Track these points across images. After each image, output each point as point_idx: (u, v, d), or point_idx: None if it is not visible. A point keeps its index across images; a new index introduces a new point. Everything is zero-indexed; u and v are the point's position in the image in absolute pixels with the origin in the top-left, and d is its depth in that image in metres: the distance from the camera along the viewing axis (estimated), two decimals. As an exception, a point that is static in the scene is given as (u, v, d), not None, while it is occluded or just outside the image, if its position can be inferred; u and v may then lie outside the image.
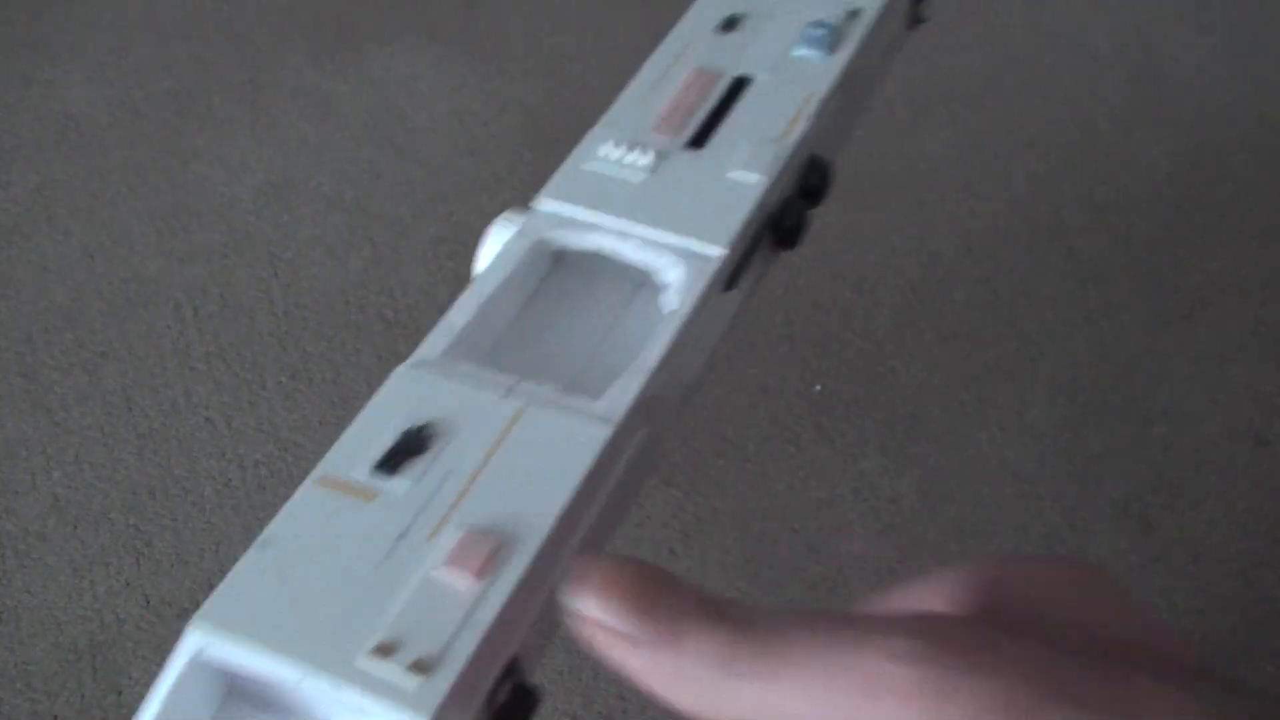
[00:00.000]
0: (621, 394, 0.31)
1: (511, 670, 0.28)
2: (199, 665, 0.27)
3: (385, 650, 0.26)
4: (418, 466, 0.29)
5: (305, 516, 0.30)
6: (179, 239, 0.96)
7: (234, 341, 0.88)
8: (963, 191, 0.99)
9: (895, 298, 0.91)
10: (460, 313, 0.33)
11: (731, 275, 0.34)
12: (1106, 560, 0.78)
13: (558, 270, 0.36)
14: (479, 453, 0.30)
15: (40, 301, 0.92)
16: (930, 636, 0.23)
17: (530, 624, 0.29)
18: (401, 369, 0.32)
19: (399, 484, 0.29)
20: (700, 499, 0.80)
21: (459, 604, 0.27)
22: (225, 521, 0.78)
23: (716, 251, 0.34)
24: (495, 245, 0.35)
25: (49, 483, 0.81)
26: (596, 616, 0.26)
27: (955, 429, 0.84)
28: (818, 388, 0.86)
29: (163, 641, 0.74)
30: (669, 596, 0.26)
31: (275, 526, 0.30)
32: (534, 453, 0.30)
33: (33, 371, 0.87)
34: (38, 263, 0.94)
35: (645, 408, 0.31)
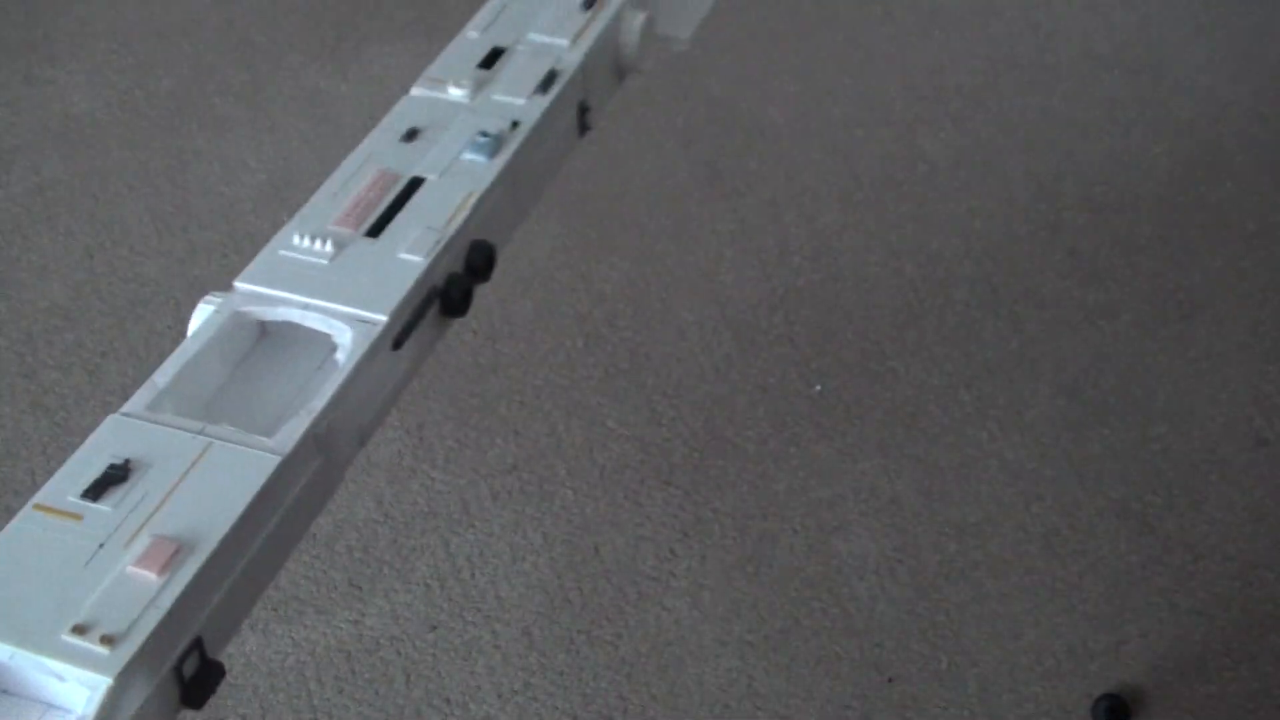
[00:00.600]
0: (291, 432, 0.37)
1: (197, 647, 0.35)
2: None
3: (81, 630, 0.32)
4: (118, 494, 0.36)
5: (24, 534, 0.36)
6: (179, 239, 0.96)
7: (234, 341, 0.88)
8: (963, 191, 0.99)
9: (895, 298, 0.91)
10: (163, 374, 0.41)
11: (397, 338, 0.41)
12: (1107, 560, 0.78)
13: (265, 338, 0.43)
14: (170, 480, 0.36)
15: (40, 301, 0.92)
16: None
17: (209, 612, 0.35)
18: (111, 417, 0.39)
19: (102, 508, 0.36)
20: (700, 499, 0.80)
21: (144, 593, 0.33)
22: (225, 521, 0.78)
23: (380, 317, 0.40)
24: (199, 319, 0.42)
25: (49, 483, 0.81)
26: None
27: (955, 429, 0.84)
28: (818, 388, 0.86)
29: (163, 641, 0.74)
30: None
31: (1, 538, 0.35)
32: (215, 478, 0.36)
33: (33, 371, 0.87)
34: (38, 263, 0.94)
35: (316, 442, 0.38)
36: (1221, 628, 0.75)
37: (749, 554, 0.78)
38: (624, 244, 0.95)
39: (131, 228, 0.97)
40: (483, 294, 1.03)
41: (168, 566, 0.34)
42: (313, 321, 0.41)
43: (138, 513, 0.35)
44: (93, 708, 0.32)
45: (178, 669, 0.34)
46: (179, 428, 0.38)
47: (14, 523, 0.35)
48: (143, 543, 0.34)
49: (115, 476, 0.37)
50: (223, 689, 0.73)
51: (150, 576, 0.34)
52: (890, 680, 0.73)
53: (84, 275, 0.94)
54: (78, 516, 0.35)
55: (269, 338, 0.43)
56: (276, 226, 1.09)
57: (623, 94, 1.11)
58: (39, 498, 0.36)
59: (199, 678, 0.35)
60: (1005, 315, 0.91)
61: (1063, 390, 0.86)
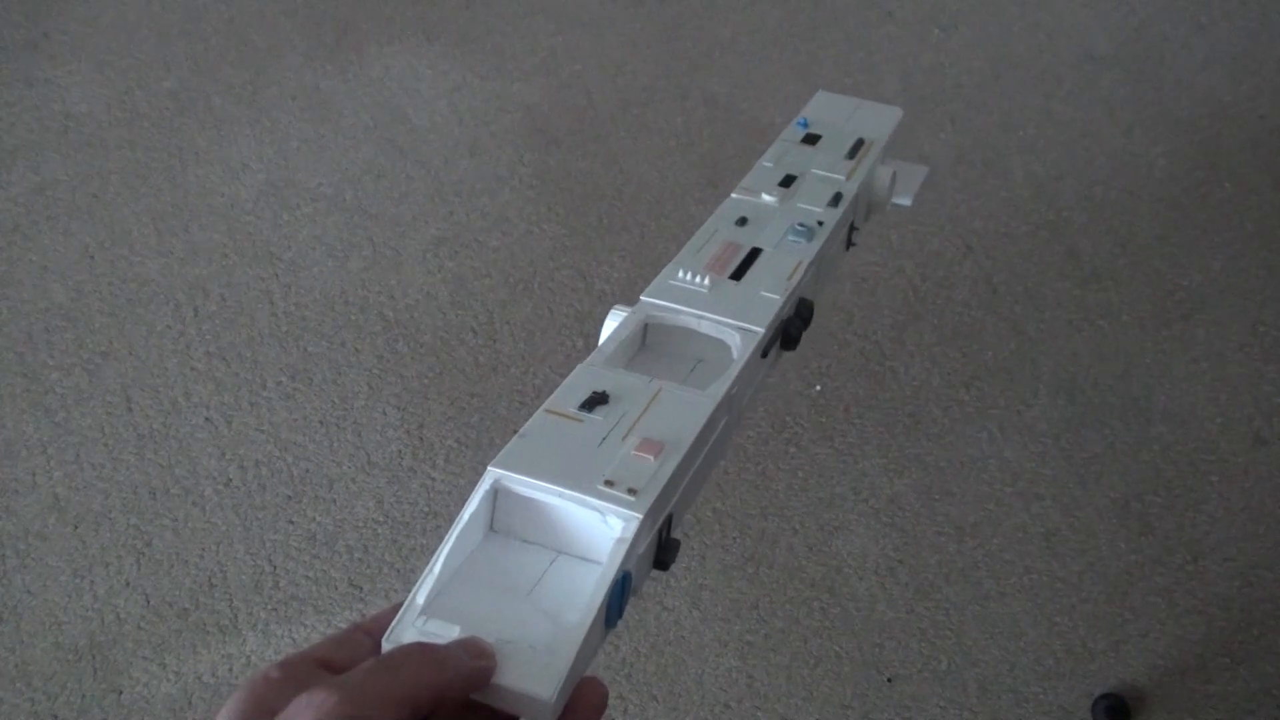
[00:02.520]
0: (716, 389, 0.49)
1: (669, 521, 0.45)
2: (493, 491, 0.44)
3: (611, 483, 0.43)
4: (604, 410, 0.47)
5: (544, 427, 0.46)
6: (179, 239, 0.96)
7: (234, 341, 0.88)
8: (963, 191, 0.99)
9: (895, 298, 0.91)
10: (609, 344, 0.53)
11: (765, 348, 0.54)
12: (1106, 560, 0.78)
13: (644, 347, 0.56)
14: (639, 406, 0.48)
15: (40, 301, 0.92)
16: None
17: (676, 496, 0.45)
18: (580, 366, 0.50)
19: (595, 417, 0.47)
20: (700, 499, 0.80)
21: (647, 468, 0.44)
22: (225, 521, 0.78)
23: (759, 329, 0.54)
24: (613, 323, 0.55)
25: (49, 483, 0.81)
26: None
27: (955, 429, 0.84)
28: (817, 388, 0.86)
29: (163, 641, 0.74)
30: None
31: (526, 428, 0.46)
32: (672, 408, 0.48)
33: (33, 371, 0.87)
34: (38, 263, 0.94)
35: (729, 400, 0.50)
36: (1221, 628, 0.75)
37: (749, 554, 0.78)
38: (624, 244, 0.95)
39: (131, 228, 0.97)
40: (484, 293, 1.03)
41: (659, 455, 0.45)
42: (707, 328, 0.55)
43: (624, 421, 0.47)
44: (630, 532, 0.42)
45: (660, 532, 0.44)
46: (634, 376, 0.50)
47: (534, 419, 0.46)
48: (635, 439, 0.45)
49: (599, 399, 0.48)
50: (222, 688, 0.73)
51: (649, 459, 0.44)
52: (890, 680, 0.73)
53: (84, 275, 0.94)
54: (579, 420, 0.47)
55: (645, 347, 0.57)
56: (277, 226, 1.10)
57: (623, 94, 1.12)
58: (549, 404, 0.47)
59: (667, 545, 0.46)
60: (1005, 315, 0.91)
61: (1063, 390, 0.86)
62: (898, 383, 0.86)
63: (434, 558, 0.43)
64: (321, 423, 0.83)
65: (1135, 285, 0.93)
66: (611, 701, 0.73)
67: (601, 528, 0.43)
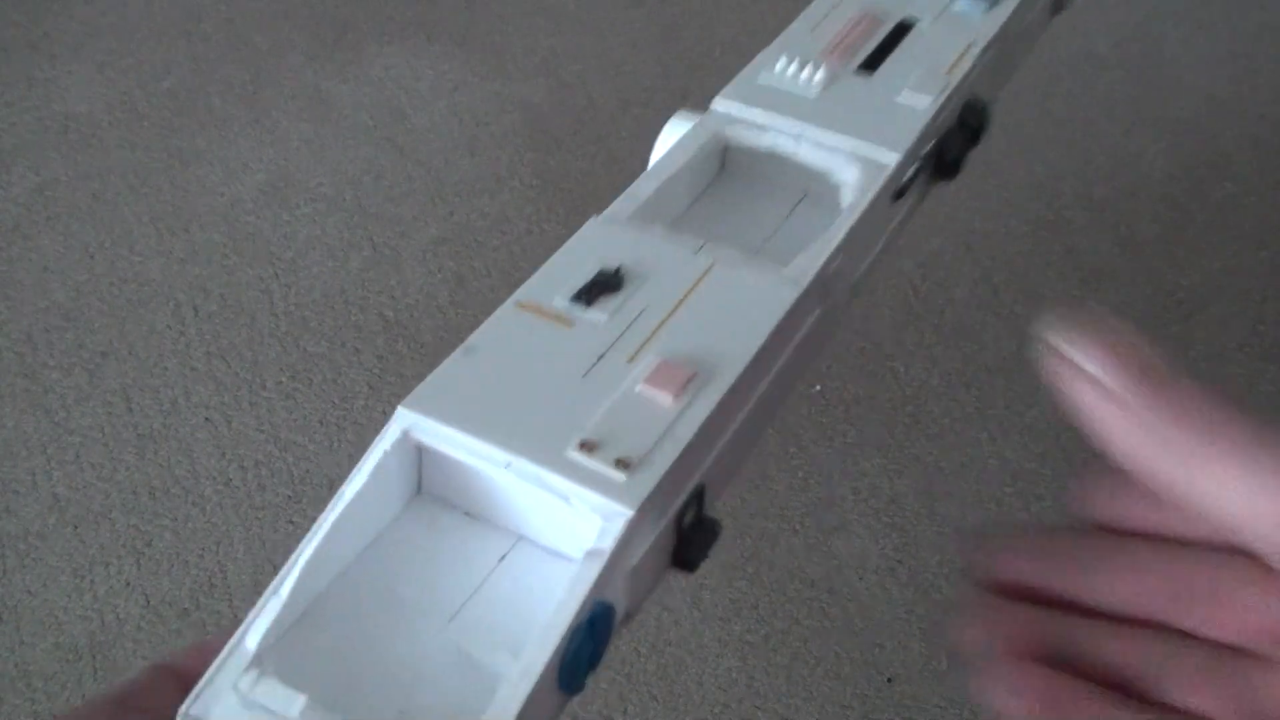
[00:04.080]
0: (808, 264, 0.33)
1: (698, 497, 0.30)
2: (404, 445, 0.29)
3: (590, 447, 0.28)
4: (612, 303, 0.31)
5: (507, 331, 0.31)
6: (179, 239, 0.96)
7: (234, 341, 0.88)
8: (963, 191, 0.99)
9: (895, 298, 0.92)
10: (645, 184, 0.36)
11: (902, 187, 0.37)
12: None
13: (723, 174, 0.39)
14: (672, 296, 0.32)
15: (40, 301, 0.92)
16: None
17: (719, 453, 0.30)
18: (592, 221, 0.34)
19: (595, 315, 0.31)
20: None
21: (659, 418, 0.29)
22: (225, 521, 0.78)
23: (891, 158, 0.36)
24: (670, 138, 0.38)
25: (49, 483, 0.81)
26: (1096, 374, 0.26)
27: (955, 429, 0.84)
28: (817, 388, 0.86)
29: (163, 641, 0.74)
30: (1163, 364, 0.26)
31: (477, 336, 0.31)
32: (725, 303, 0.32)
33: (33, 371, 0.87)
34: (38, 263, 0.94)
35: (824, 284, 0.33)
36: (1221, 627, 0.75)
37: (749, 554, 0.78)
38: (624, 244, 0.95)
39: (131, 228, 0.97)
40: (484, 293, 1.03)
41: (684, 392, 0.29)
42: (806, 154, 0.36)
43: (638, 326, 0.31)
44: (609, 541, 0.27)
45: (679, 518, 0.30)
46: (672, 242, 0.33)
47: (495, 317, 0.31)
48: (648, 360, 0.30)
49: (607, 283, 0.32)
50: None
51: (664, 399, 0.29)
52: (890, 680, 0.73)
53: (84, 275, 0.94)
54: (567, 322, 0.31)
55: (727, 171, 0.38)
56: (277, 226, 1.10)
57: (623, 94, 1.12)
58: (520, 295, 0.31)
59: (695, 533, 0.30)
60: (1005, 315, 0.91)
61: (1063, 390, 0.86)
62: (898, 383, 0.86)
63: (290, 561, 0.27)
64: (321, 423, 0.83)
65: (1135, 285, 0.93)
66: (611, 701, 0.73)
67: (573, 521, 0.28)
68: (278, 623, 0.26)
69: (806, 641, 0.75)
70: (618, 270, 0.32)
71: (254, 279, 0.93)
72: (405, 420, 0.29)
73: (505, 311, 0.31)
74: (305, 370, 0.86)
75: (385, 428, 0.29)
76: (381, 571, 0.29)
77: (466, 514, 0.30)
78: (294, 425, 0.83)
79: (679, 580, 0.85)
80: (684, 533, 0.30)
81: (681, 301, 0.32)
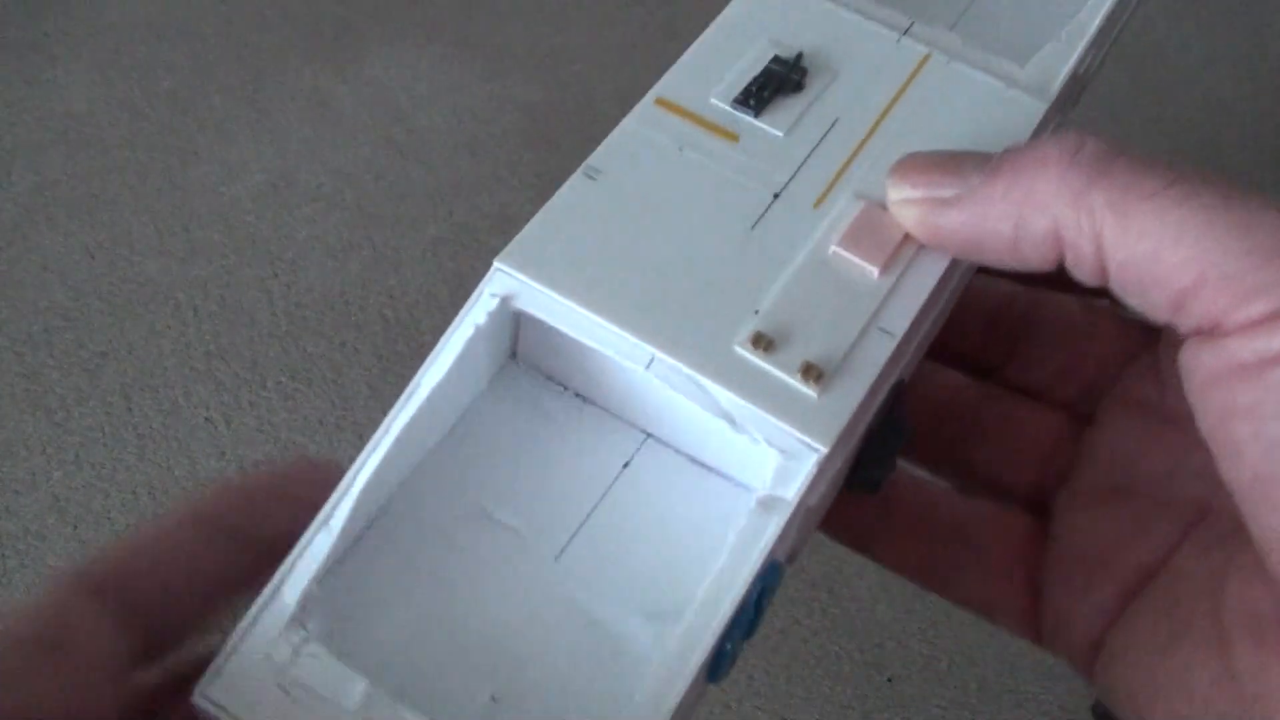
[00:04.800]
0: (1056, 62, 0.25)
1: (898, 395, 0.22)
2: (500, 315, 0.21)
3: (766, 342, 0.20)
4: (793, 108, 0.23)
5: (643, 146, 0.23)
6: (179, 239, 0.96)
7: (234, 341, 0.88)
8: (963, 191, 0.99)
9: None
10: None
11: None
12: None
13: None
14: (877, 102, 0.23)
15: (40, 301, 0.92)
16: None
17: (919, 340, 0.23)
18: None
19: (768, 129, 0.23)
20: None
21: (862, 297, 0.21)
22: (225, 521, 0.78)
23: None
24: None
25: (49, 483, 0.81)
26: (914, 195, 0.23)
27: (955, 429, 0.84)
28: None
29: (163, 641, 0.74)
30: (964, 158, 0.24)
31: (603, 153, 0.23)
32: (949, 114, 0.23)
33: (33, 371, 0.87)
34: (38, 263, 0.94)
35: (1072, 90, 0.26)
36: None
37: (749, 554, 0.78)
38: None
39: (131, 228, 0.97)
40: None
41: (895, 258, 0.21)
42: None
43: (829, 149, 0.22)
44: (794, 488, 0.20)
45: (869, 429, 0.22)
46: (871, 17, 0.24)
47: (627, 123, 0.23)
48: (845, 204, 0.22)
49: (785, 79, 0.23)
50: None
51: (869, 271, 0.21)
52: (890, 680, 0.73)
53: (84, 275, 0.93)
54: (729, 135, 0.23)
55: None
56: (277, 226, 1.10)
57: (623, 94, 1.12)
58: (662, 88, 0.24)
59: (883, 442, 0.22)
60: (1005, 315, 0.90)
61: (1063, 390, 0.86)
62: (898, 383, 0.86)
63: (345, 480, 0.20)
64: (321, 423, 0.83)
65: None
66: (611, 701, 0.73)
67: (735, 448, 0.21)
68: (327, 564, 0.19)
69: (806, 641, 0.75)
70: (798, 59, 0.23)
71: (254, 279, 0.93)
72: (503, 285, 0.21)
73: (642, 114, 0.24)
74: (305, 370, 0.86)
75: (476, 292, 0.21)
76: (461, 483, 0.21)
77: (578, 395, 0.22)
78: (294, 425, 0.83)
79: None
80: (869, 442, 0.22)
81: (887, 111, 0.23)
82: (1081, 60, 0.26)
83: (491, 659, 0.20)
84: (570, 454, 0.22)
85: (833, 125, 0.23)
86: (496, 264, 0.21)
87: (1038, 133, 0.25)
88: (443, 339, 0.22)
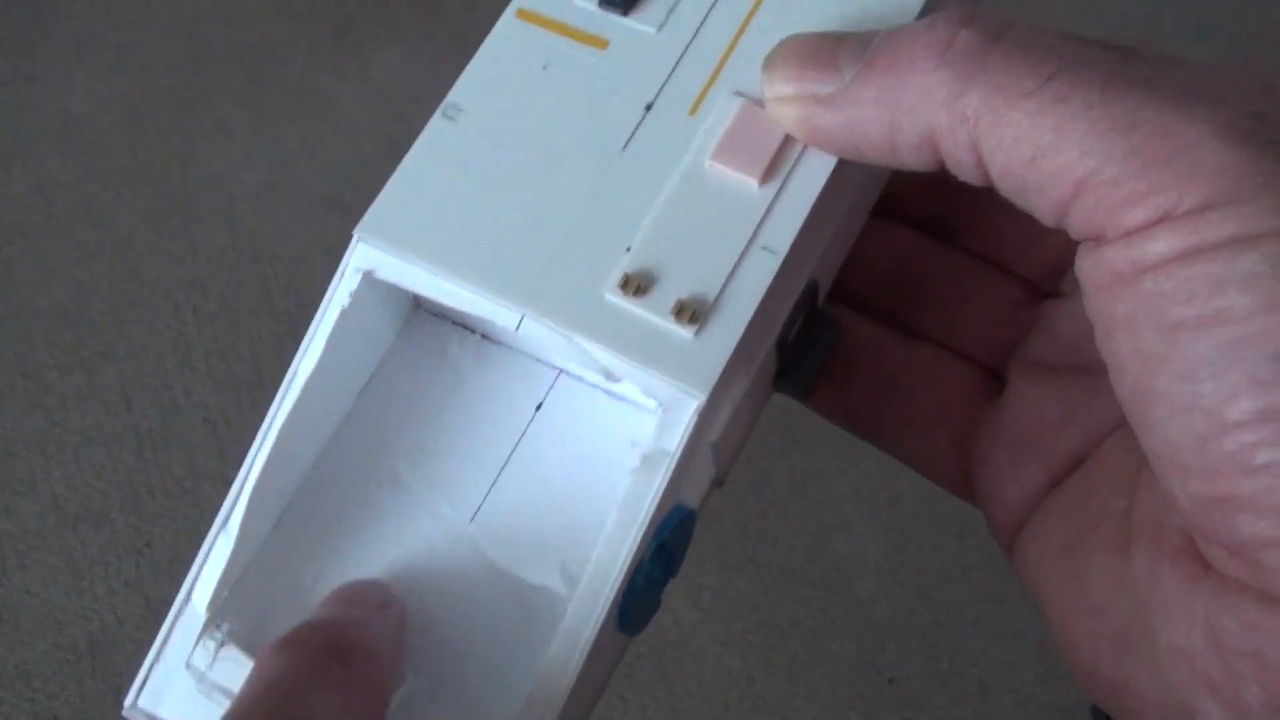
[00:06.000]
0: None
1: (810, 296, 0.21)
2: (371, 288, 0.21)
3: (637, 284, 0.19)
4: (662, 2, 0.21)
5: (505, 68, 0.21)
6: (179, 239, 0.96)
7: (234, 341, 0.88)
8: (963, 191, 0.99)
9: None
10: None
11: None
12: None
13: None
14: None
15: (40, 301, 0.92)
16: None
17: (827, 243, 0.21)
18: None
19: (639, 25, 0.21)
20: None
21: (741, 216, 0.19)
22: (225, 521, 0.78)
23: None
24: None
25: (49, 483, 0.81)
26: (788, 92, 0.21)
27: (955, 429, 0.84)
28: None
29: (163, 641, 0.74)
30: (841, 46, 0.22)
31: (462, 86, 0.22)
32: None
33: (33, 371, 0.87)
34: (38, 263, 0.94)
35: None
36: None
37: (749, 554, 0.78)
38: (624, 244, 0.95)
39: (131, 228, 0.97)
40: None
41: (776, 164, 0.20)
42: None
43: (705, 44, 0.20)
44: (675, 439, 0.18)
45: (782, 339, 0.21)
46: None
47: (488, 44, 0.22)
48: (721, 105, 0.20)
49: None
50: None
51: (746, 182, 0.19)
52: (891, 680, 0.73)
53: (84, 275, 0.93)
54: (596, 41, 0.21)
55: None
56: (277, 226, 1.10)
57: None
58: None
59: (806, 344, 0.21)
60: (1005, 315, 0.91)
61: (1063, 390, 0.86)
62: (898, 383, 0.86)
63: (239, 476, 0.20)
64: (321, 423, 0.83)
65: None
66: (611, 701, 0.73)
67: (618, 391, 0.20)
68: (232, 566, 0.19)
69: (806, 641, 0.75)
70: None
71: (254, 279, 0.93)
72: (366, 258, 0.22)
73: (502, 31, 0.22)
74: (305, 370, 0.86)
75: (341, 267, 0.22)
76: (374, 451, 0.21)
77: (484, 336, 0.22)
78: (294, 425, 0.83)
79: (679, 580, 0.85)
80: (790, 348, 0.21)
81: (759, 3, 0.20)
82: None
83: (410, 632, 0.20)
84: (482, 402, 0.21)
85: (710, 10, 0.21)
86: (356, 234, 0.21)
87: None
88: (314, 320, 0.21)
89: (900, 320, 0.29)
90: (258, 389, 0.85)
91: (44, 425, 0.84)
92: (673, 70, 0.20)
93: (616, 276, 0.19)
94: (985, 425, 0.28)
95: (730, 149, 0.20)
